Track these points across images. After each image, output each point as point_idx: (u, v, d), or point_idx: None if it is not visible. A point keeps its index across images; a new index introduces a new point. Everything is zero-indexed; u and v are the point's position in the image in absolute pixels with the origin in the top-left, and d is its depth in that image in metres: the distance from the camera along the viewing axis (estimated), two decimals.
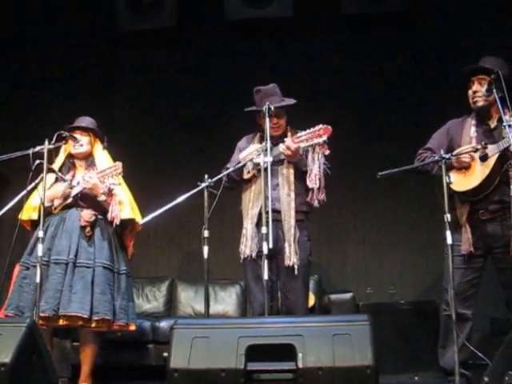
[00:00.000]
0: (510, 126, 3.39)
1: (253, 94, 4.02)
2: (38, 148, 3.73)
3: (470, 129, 3.82)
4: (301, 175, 3.87)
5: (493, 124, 3.78)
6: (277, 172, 3.87)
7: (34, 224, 4.01)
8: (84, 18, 6.23)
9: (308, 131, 3.77)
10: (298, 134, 3.81)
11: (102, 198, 3.97)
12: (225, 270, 5.60)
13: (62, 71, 6.28)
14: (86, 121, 4.22)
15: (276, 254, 3.79)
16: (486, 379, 2.71)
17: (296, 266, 3.77)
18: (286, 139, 3.84)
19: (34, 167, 3.64)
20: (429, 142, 3.97)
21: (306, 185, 3.85)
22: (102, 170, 3.96)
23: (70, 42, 6.25)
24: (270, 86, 4.02)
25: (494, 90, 3.57)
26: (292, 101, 3.98)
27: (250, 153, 3.87)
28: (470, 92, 3.80)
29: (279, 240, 3.80)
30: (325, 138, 3.70)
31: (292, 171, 3.89)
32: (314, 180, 3.80)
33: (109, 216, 3.97)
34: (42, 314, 3.60)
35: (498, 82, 3.52)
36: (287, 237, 3.81)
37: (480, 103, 3.74)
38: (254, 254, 3.82)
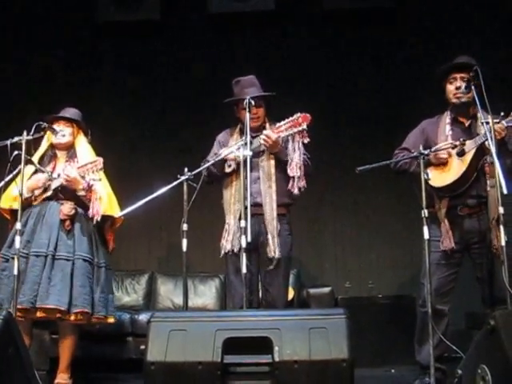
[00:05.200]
0: (487, 123, 3.41)
1: (232, 85, 4.00)
2: (16, 139, 3.67)
3: (446, 127, 3.83)
4: (281, 167, 3.85)
5: (468, 122, 3.82)
6: (257, 165, 3.85)
7: (14, 214, 3.95)
8: (66, 9, 6.18)
9: (287, 120, 3.76)
10: (277, 125, 3.81)
11: (82, 193, 3.95)
12: (205, 264, 5.60)
13: (43, 62, 6.21)
14: (70, 112, 4.17)
15: (257, 248, 3.79)
16: (459, 372, 2.75)
17: (278, 259, 3.76)
18: (264, 131, 3.83)
19: (11, 158, 3.60)
20: (404, 142, 3.98)
21: (286, 176, 3.83)
22: (82, 165, 3.90)
23: (51, 32, 6.20)
24: (249, 77, 4.00)
25: (473, 87, 3.60)
26: (271, 93, 3.97)
27: (230, 150, 3.87)
28: (452, 88, 3.79)
29: (261, 234, 3.79)
30: (304, 126, 3.70)
31: (272, 163, 3.86)
32: (294, 169, 3.78)
33: (90, 213, 3.94)
34: (19, 306, 3.59)
35: (477, 79, 3.54)
36: (269, 229, 3.78)
37: (464, 99, 3.74)
38: (235, 249, 3.79)
